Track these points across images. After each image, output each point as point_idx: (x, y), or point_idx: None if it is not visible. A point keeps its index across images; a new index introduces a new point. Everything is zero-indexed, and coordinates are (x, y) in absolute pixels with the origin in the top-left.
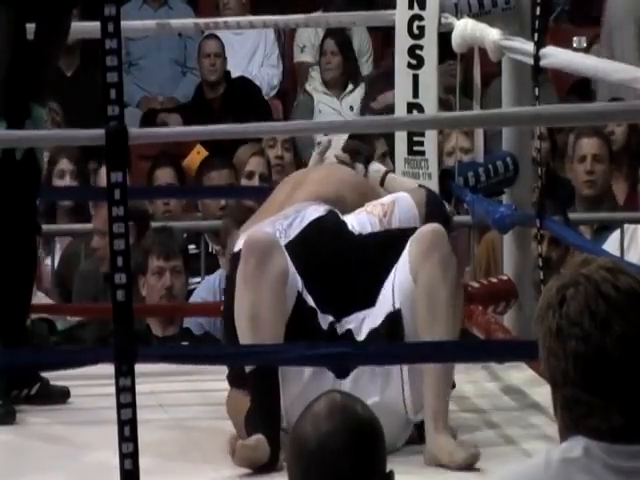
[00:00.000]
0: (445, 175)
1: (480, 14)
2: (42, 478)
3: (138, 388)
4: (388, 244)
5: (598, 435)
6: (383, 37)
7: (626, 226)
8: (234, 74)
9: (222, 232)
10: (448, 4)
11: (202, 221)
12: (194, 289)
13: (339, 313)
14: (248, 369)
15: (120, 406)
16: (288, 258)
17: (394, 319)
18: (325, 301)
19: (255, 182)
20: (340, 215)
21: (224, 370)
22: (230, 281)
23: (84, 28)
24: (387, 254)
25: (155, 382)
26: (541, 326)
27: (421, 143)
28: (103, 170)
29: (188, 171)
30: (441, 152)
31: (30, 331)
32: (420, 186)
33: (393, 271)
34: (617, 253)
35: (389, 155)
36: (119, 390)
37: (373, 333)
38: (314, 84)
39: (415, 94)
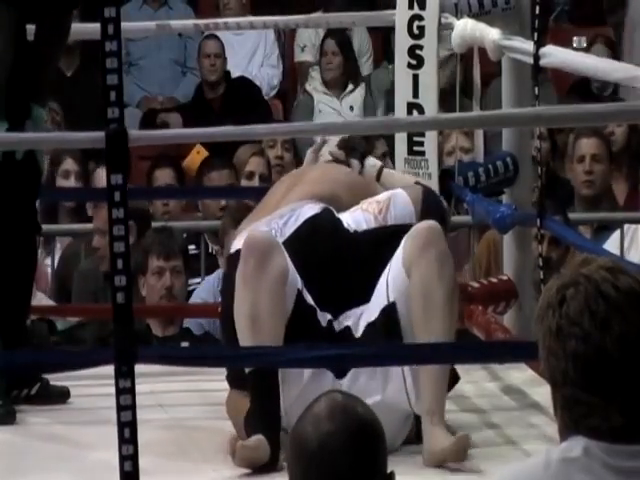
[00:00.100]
0: (445, 175)
1: (480, 14)
2: (42, 478)
3: (138, 388)
4: (383, 241)
5: (598, 435)
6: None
7: (626, 226)
8: (234, 74)
9: (220, 232)
10: (448, 4)
11: (202, 221)
12: (194, 289)
13: (337, 310)
14: (248, 370)
15: (120, 408)
16: (288, 258)
17: (389, 312)
18: (323, 299)
19: (255, 182)
20: (335, 213)
21: (224, 370)
22: (227, 281)
23: (84, 29)
24: (382, 250)
25: (155, 382)
26: (541, 326)
27: (421, 143)
28: (101, 171)
29: (188, 171)
30: (441, 152)
31: (30, 331)
32: (417, 183)
33: (388, 267)
34: (617, 253)
35: (389, 155)
36: (119, 391)
37: (370, 328)
38: (314, 84)
39: (415, 94)
